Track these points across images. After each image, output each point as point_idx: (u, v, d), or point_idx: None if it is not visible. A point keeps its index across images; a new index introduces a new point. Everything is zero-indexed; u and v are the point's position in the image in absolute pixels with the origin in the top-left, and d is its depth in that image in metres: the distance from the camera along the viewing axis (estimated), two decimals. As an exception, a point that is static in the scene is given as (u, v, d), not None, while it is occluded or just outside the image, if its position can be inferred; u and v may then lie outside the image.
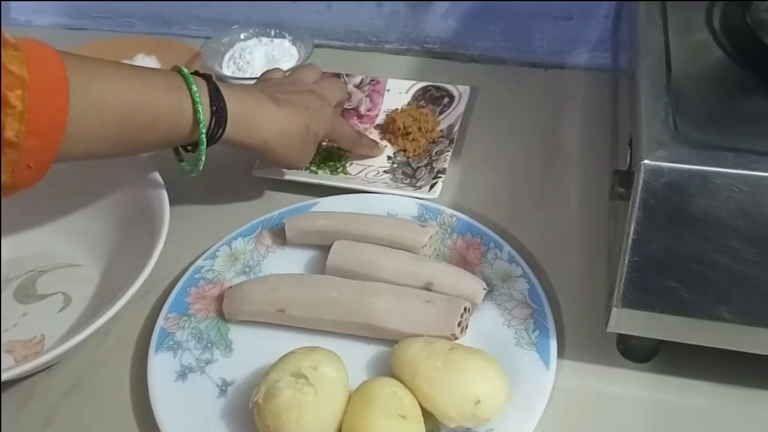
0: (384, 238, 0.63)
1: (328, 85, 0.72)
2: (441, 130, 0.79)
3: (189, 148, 0.63)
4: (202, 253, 0.66)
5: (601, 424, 0.54)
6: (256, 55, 0.86)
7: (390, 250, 0.63)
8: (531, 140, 0.79)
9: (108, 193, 0.68)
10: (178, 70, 0.60)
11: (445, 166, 0.72)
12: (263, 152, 0.65)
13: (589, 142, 0.77)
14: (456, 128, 0.77)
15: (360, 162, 0.76)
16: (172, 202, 0.64)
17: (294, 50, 0.88)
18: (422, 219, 0.67)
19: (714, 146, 0.46)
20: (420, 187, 0.71)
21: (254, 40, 0.89)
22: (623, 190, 0.49)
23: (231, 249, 0.66)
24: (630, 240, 0.47)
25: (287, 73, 0.73)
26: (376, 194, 0.70)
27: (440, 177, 0.71)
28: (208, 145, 0.60)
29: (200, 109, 0.58)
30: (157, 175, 0.66)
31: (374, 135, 0.80)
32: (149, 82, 0.57)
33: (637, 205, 0.46)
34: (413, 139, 0.77)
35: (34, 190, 0.55)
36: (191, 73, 0.60)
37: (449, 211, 0.67)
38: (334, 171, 0.75)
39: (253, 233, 0.68)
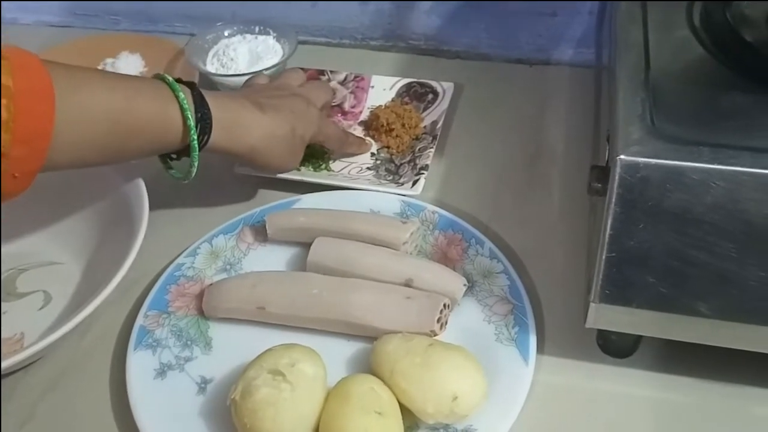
0: (365, 234, 0.63)
1: (312, 87, 0.73)
2: (425, 127, 0.78)
3: (174, 156, 0.63)
4: (183, 251, 0.66)
5: (580, 419, 0.54)
6: (240, 52, 0.86)
7: (371, 246, 0.63)
8: (515, 137, 0.79)
9: (88, 191, 0.68)
10: (161, 77, 0.60)
11: (428, 162, 0.72)
12: (250, 158, 0.65)
13: (573, 138, 0.77)
14: (440, 125, 0.77)
15: (343, 159, 0.76)
16: (153, 200, 0.64)
17: (278, 47, 0.88)
18: (404, 215, 0.67)
19: (691, 141, 0.46)
20: (402, 184, 0.71)
21: (238, 37, 0.89)
22: (600, 185, 0.49)
23: (212, 246, 0.66)
24: (607, 235, 0.47)
25: (271, 78, 0.73)
26: (358, 191, 0.70)
27: (423, 173, 0.71)
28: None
29: (189, 116, 0.58)
30: (137, 173, 0.66)
31: (358, 131, 0.80)
32: (134, 90, 0.57)
33: (613, 200, 0.46)
34: (396, 136, 0.77)
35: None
36: (175, 81, 0.60)
37: (431, 207, 0.67)
38: (317, 168, 0.75)
39: (234, 230, 0.67)
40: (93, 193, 0.68)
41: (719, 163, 0.44)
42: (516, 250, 0.65)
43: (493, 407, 0.52)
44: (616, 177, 0.45)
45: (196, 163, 0.61)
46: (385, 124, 0.77)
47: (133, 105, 0.56)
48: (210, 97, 0.61)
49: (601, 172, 0.49)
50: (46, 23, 1.04)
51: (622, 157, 0.45)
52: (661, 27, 0.57)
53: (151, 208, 0.63)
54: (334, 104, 0.83)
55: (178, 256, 0.65)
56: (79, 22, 1.02)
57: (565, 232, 0.67)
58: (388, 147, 0.77)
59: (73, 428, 0.56)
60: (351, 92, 0.84)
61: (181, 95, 0.58)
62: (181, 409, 0.55)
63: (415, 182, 0.70)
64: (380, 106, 0.81)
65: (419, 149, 0.75)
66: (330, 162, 0.76)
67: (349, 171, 0.75)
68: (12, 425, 0.56)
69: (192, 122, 0.59)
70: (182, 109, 0.58)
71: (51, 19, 1.03)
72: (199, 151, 0.61)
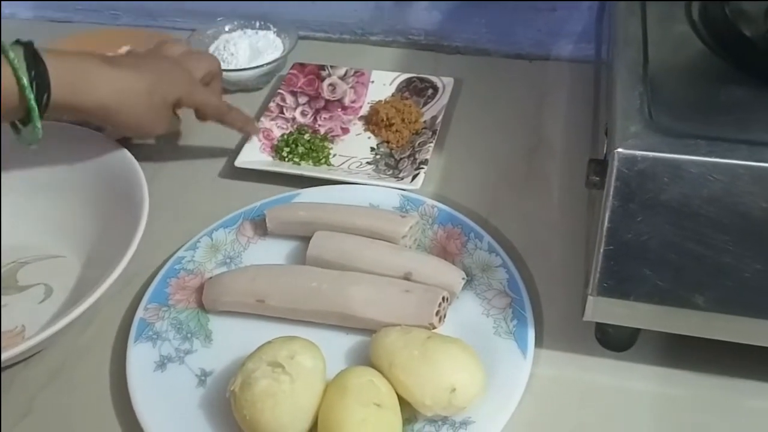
0: (364, 228, 0.63)
1: (192, 56, 0.70)
2: (424, 122, 0.79)
3: (22, 123, 0.59)
4: (183, 244, 0.66)
5: (578, 412, 0.54)
6: (240, 47, 0.86)
7: (370, 240, 0.63)
8: (514, 131, 0.79)
9: (89, 184, 0.68)
10: None
11: (428, 157, 0.72)
12: (103, 116, 0.62)
13: (573, 133, 0.78)
14: (439, 120, 0.77)
15: (343, 153, 0.76)
16: (153, 194, 0.64)
17: (278, 42, 0.88)
18: (404, 210, 0.67)
19: (688, 135, 0.46)
20: (402, 178, 0.71)
21: (239, 32, 0.89)
22: (598, 178, 0.49)
23: (212, 240, 0.66)
24: (605, 228, 0.47)
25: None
26: (357, 185, 0.70)
27: (422, 168, 0.71)
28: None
29: (22, 76, 0.55)
30: (137, 166, 0.66)
31: (358, 126, 0.80)
32: None
33: (611, 193, 0.46)
34: (396, 131, 0.77)
35: (13, 180, 0.54)
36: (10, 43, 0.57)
37: (431, 201, 0.67)
38: (317, 162, 0.75)
39: (234, 224, 0.68)
40: (93, 186, 0.68)
41: (716, 156, 0.45)
42: (515, 243, 0.66)
43: (492, 400, 0.52)
44: (614, 170, 0.46)
45: (38, 125, 0.58)
46: (385, 119, 0.77)
47: None
48: (49, 55, 0.57)
49: (599, 166, 0.49)
50: (45, 18, 1.04)
51: (620, 150, 0.45)
52: (660, 22, 0.57)
53: (151, 201, 0.63)
54: (334, 99, 0.83)
55: (179, 249, 0.66)
56: (79, 16, 1.02)
57: (564, 226, 0.68)
58: (387, 142, 0.77)
59: (73, 420, 0.56)
60: (351, 87, 0.84)
61: (11, 55, 0.55)
62: (181, 401, 0.55)
63: (414, 177, 0.70)
64: (380, 101, 0.81)
65: (419, 144, 0.75)
66: (330, 157, 0.76)
67: (349, 165, 0.75)
68: (11, 419, 0.57)
69: (25, 81, 0.55)
70: (13, 69, 0.55)
71: (51, 14, 1.03)
72: (42, 111, 0.58)
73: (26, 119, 0.59)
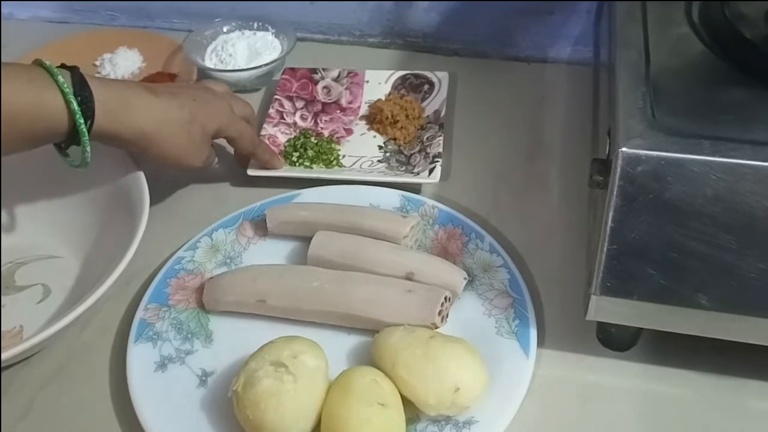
0: (365, 228, 0.63)
1: (230, 94, 0.70)
2: (428, 116, 0.79)
3: (63, 145, 0.59)
4: (183, 244, 0.66)
5: (580, 412, 0.55)
6: (238, 48, 0.86)
7: (371, 240, 0.63)
8: (513, 133, 0.79)
9: (88, 184, 0.68)
10: (39, 63, 0.56)
11: (440, 150, 0.73)
12: (143, 145, 0.61)
13: (571, 135, 0.78)
14: (443, 113, 0.78)
15: (351, 154, 0.77)
16: (153, 193, 0.64)
17: (277, 43, 0.88)
18: (404, 210, 0.67)
19: (691, 134, 0.46)
20: (418, 173, 0.71)
21: (237, 33, 0.89)
22: (601, 178, 0.49)
23: (212, 240, 0.66)
24: (608, 228, 0.47)
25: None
26: (357, 185, 0.70)
27: (437, 161, 0.71)
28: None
29: (72, 99, 0.55)
30: (136, 167, 0.66)
31: (360, 126, 0.81)
32: (5, 76, 0.54)
33: (614, 192, 0.46)
34: (401, 127, 0.78)
35: (12, 181, 0.54)
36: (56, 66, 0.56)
37: (431, 202, 0.67)
38: (328, 164, 0.75)
39: (234, 224, 0.67)
40: (93, 186, 0.68)
41: (719, 156, 0.45)
42: (515, 244, 0.66)
43: (494, 399, 0.52)
44: (618, 169, 0.46)
45: (87, 148, 0.57)
46: (390, 117, 0.78)
47: (2, 95, 0.53)
48: (94, 81, 0.57)
49: (602, 165, 0.49)
50: (43, 18, 1.03)
51: (623, 149, 0.46)
52: (660, 23, 0.58)
53: (151, 201, 0.63)
54: (330, 101, 0.83)
55: (178, 249, 0.65)
56: (77, 17, 1.02)
57: (564, 226, 0.68)
58: (394, 139, 0.78)
59: (73, 421, 0.56)
60: (346, 88, 0.84)
61: (60, 78, 0.55)
62: (182, 401, 0.55)
63: (431, 170, 0.70)
64: (379, 99, 0.82)
65: (427, 138, 0.75)
66: (340, 158, 0.76)
67: (360, 165, 0.75)
68: (10, 419, 0.56)
69: (75, 105, 0.55)
70: (63, 93, 0.55)
71: (48, 15, 1.03)
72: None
73: (67, 143, 0.59)
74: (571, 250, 0.65)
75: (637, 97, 0.49)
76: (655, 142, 0.46)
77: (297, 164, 0.74)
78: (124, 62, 0.89)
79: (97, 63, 0.90)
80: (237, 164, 0.74)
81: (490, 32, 0.90)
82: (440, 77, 0.82)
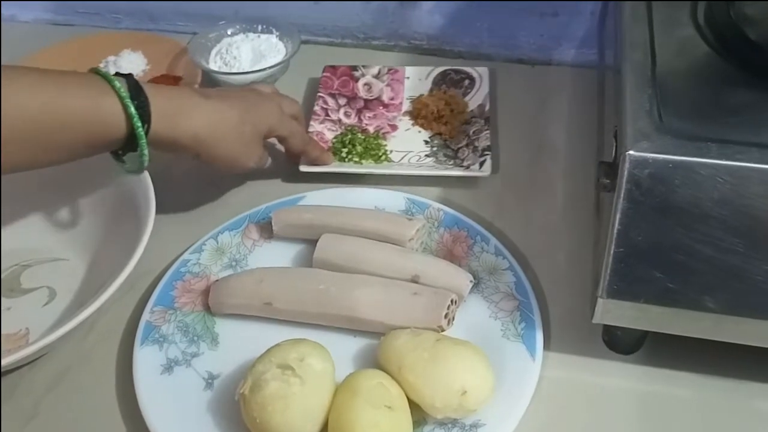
0: (371, 231, 0.63)
1: (279, 94, 0.71)
2: (472, 111, 0.80)
3: (120, 152, 0.59)
4: (189, 247, 0.66)
5: (586, 415, 0.55)
6: (243, 51, 0.86)
7: (377, 243, 0.63)
8: (518, 135, 0.79)
9: (93, 186, 0.68)
10: (95, 71, 0.57)
11: (488, 143, 0.73)
12: (197, 149, 0.61)
13: (576, 137, 0.78)
14: (487, 107, 0.79)
15: (398, 149, 0.77)
16: (158, 196, 0.63)
17: (281, 45, 0.88)
18: (409, 213, 0.67)
19: (698, 137, 0.46)
20: (468, 166, 0.72)
21: (241, 36, 0.89)
22: (608, 181, 0.49)
23: (217, 243, 0.66)
24: (615, 230, 0.47)
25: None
26: (361, 188, 0.71)
27: (487, 154, 0.72)
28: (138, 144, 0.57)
29: (129, 104, 0.55)
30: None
31: (405, 122, 0.81)
32: (61, 85, 0.55)
33: (622, 195, 0.46)
34: (446, 122, 0.78)
35: (18, 183, 0.54)
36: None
37: (436, 204, 0.68)
38: (377, 160, 0.75)
39: (239, 227, 0.67)
40: (99, 188, 0.68)
41: (726, 159, 0.45)
42: (520, 246, 0.66)
43: (501, 402, 0.52)
44: (625, 172, 0.46)
45: (145, 152, 0.58)
46: (435, 112, 0.79)
47: (59, 101, 0.54)
48: (147, 87, 0.58)
49: (609, 168, 0.49)
50: (46, 21, 1.03)
51: (630, 152, 0.46)
52: (666, 25, 0.58)
53: (157, 204, 0.62)
54: (372, 98, 0.83)
55: (184, 252, 0.65)
56: (80, 20, 1.02)
57: (569, 228, 0.68)
58: (440, 133, 0.78)
59: (80, 424, 0.56)
60: (387, 85, 0.85)
61: (117, 84, 0.55)
62: (188, 404, 0.55)
63: (482, 163, 0.71)
64: (421, 95, 0.83)
65: (473, 132, 0.76)
66: (388, 153, 0.76)
67: (409, 160, 0.76)
68: (16, 423, 0.56)
69: (133, 110, 0.55)
70: (120, 98, 0.55)
71: (51, 17, 1.03)
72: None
73: (124, 149, 0.59)
74: (576, 253, 0.65)
75: (644, 100, 0.49)
76: (663, 145, 0.46)
77: (346, 160, 0.75)
78: (128, 65, 0.89)
79: (102, 66, 0.90)
80: (288, 161, 0.74)
81: (494, 34, 0.90)
82: (480, 72, 0.83)
